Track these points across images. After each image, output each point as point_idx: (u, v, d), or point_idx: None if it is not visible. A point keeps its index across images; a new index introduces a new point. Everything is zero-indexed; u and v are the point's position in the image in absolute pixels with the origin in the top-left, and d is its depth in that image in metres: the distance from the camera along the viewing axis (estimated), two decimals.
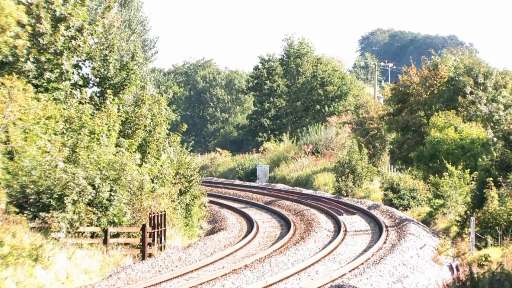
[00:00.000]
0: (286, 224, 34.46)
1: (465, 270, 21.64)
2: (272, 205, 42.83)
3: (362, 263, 23.16)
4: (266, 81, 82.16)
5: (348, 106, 76.77)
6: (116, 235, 24.35)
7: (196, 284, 19.95)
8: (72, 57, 28.01)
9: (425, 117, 48.64)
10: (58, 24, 27.31)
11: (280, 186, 55.47)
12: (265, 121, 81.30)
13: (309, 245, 26.78)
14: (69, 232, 22.41)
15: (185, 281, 20.44)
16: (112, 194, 24.04)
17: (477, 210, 27.70)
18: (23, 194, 21.85)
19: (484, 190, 28.39)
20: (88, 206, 23.26)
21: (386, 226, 31.57)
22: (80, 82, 28.89)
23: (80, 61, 28.84)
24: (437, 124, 42.21)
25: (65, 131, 25.69)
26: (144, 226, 24.83)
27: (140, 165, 27.85)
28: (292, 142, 68.24)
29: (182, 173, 32.71)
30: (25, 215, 21.25)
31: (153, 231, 25.43)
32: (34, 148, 23.34)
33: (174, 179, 31.26)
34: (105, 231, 23.57)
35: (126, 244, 24.72)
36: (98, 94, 29.42)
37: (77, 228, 22.71)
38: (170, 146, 31.93)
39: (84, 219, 22.89)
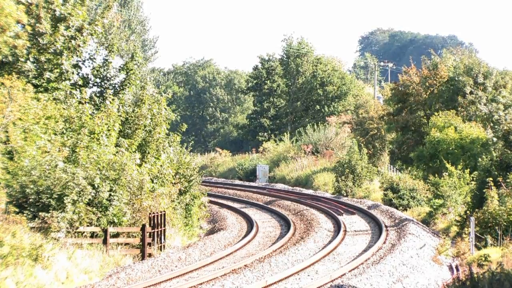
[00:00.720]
0: (286, 224, 34.46)
1: (465, 270, 21.64)
2: (272, 205, 42.83)
3: (362, 263, 23.16)
4: (265, 81, 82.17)
5: (348, 106, 76.80)
6: (116, 235, 24.35)
7: (196, 284, 19.96)
8: (72, 57, 28.03)
9: (425, 117, 48.66)
10: (58, 24, 27.32)
11: (279, 186, 55.47)
12: (264, 121, 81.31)
13: (309, 245, 26.78)
14: (69, 232, 22.42)
15: (185, 281, 20.44)
16: (112, 194, 24.05)
17: (477, 210, 27.69)
18: (23, 194, 21.86)
19: (484, 190, 28.39)
20: (88, 206, 23.26)
21: (386, 226, 31.57)
22: (80, 82, 28.90)
23: (80, 61, 28.84)
24: (437, 124, 42.22)
25: (65, 131, 25.70)
26: (144, 226, 24.83)
27: (140, 165, 27.85)
28: (292, 142, 68.25)
29: (182, 173, 32.72)
30: (25, 215, 21.26)
31: (153, 231, 25.44)
32: (34, 148, 23.36)
33: (174, 179, 31.27)
34: (105, 231, 23.57)
35: (126, 244, 24.73)
36: (98, 94, 29.42)
37: (77, 228, 22.71)
38: (170, 146, 31.94)
39: (84, 219, 22.90)
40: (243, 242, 28.38)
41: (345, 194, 46.38)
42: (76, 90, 28.40)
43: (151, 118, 29.71)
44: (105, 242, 23.51)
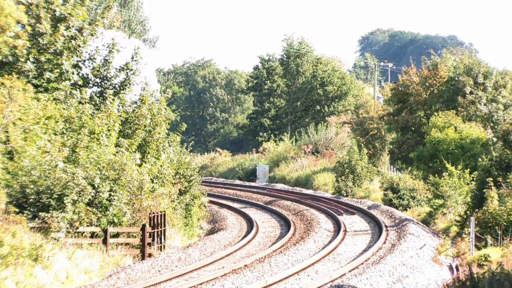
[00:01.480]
0: (286, 224, 34.46)
1: (465, 270, 21.64)
2: (272, 205, 42.82)
3: (362, 263, 23.16)
4: (266, 81, 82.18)
5: (348, 106, 76.82)
6: (116, 235, 24.34)
7: (196, 284, 19.96)
8: (72, 57, 28.03)
9: (425, 117, 48.67)
10: (58, 24, 27.32)
11: (280, 186, 55.47)
12: (265, 121, 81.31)
13: (309, 245, 26.78)
14: (69, 232, 22.41)
15: (185, 281, 20.44)
16: (112, 194, 24.04)
17: (477, 210, 27.68)
18: (23, 194, 21.85)
19: (484, 190, 28.38)
20: (88, 206, 23.26)
21: (386, 226, 31.57)
22: (80, 82, 28.90)
23: (80, 61, 28.84)
24: (437, 124, 42.21)
25: (65, 131, 25.69)
26: (144, 226, 24.82)
27: (140, 165, 27.85)
28: (292, 142, 68.24)
29: (182, 173, 32.71)
30: (25, 215, 21.25)
31: (153, 231, 25.43)
32: (34, 148, 23.35)
33: (174, 179, 31.26)
34: (105, 231, 23.57)
35: (126, 244, 24.72)
36: (98, 94, 29.42)
37: (77, 228, 22.71)
38: (170, 146, 31.93)
39: (84, 219, 22.89)
40: (243, 242, 28.38)
41: (345, 194, 46.38)
42: (76, 90, 28.39)
43: (151, 118, 29.70)
44: (105, 242, 23.51)
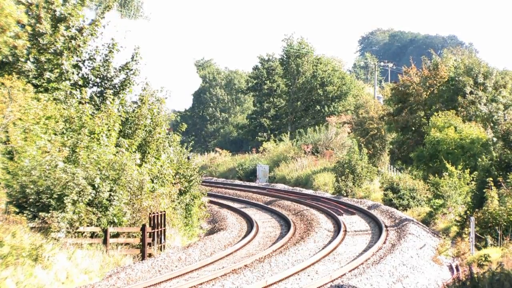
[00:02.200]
0: (286, 224, 34.46)
1: (465, 270, 21.64)
2: (272, 205, 42.83)
3: (362, 263, 23.16)
4: (265, 81, 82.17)
5: (348, 106, 76.82)
6: (116, 235, 24.34)
7: (196, 284, 19.96)
8: (72, 57, 28.03)
9: (425, 117, 48.67)
10: (58, 24, 27.32)
11: (280, 186, 55.47)
12: (265, 121, 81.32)
13: (309, 245, 26.78)
14: (69, 232, 22.41)
15: (185, 281, 20.44)
16: (112, 194, 24.04)
17: (477, 210, 27.69)
18: (23, 194, 21.85)
19: (484, 190, 28.38)
20: (88, 206, 23.25)
21: (386, 226, 31.57)
22: (80, 82, 28.90)
23: (80, 61, 28.84)
24: (437, 124, 42.22)
25: (65, 131, 25.68)
26: (144, 226, 24.83)
27: (140, 165, 27.85)
28: (292, 142, 68.25)
29: (182, 173, 32.72)
30: (25, 215, 21.24)
31: (153, 231, 25.43)
32: (34, 148, 23.35)
33: (174, 179, 31.27)
34: (105, 231, 23.57)
35: (126, 244, 24.72)
36: (98, 94, 29.42)
37: (77, 228, 22.70)
38: (170, 146, 31.94)
39: (84, 219, 22.89)
40: (243, 242, 28.38)
41: (345, 194, 46.38)
42: (76, 90, 28.39)
43: (151, 118, 29.71)
44: (105, 242, 23.50)
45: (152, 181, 29.01)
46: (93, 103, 28.53)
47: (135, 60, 30.27)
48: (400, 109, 50.45)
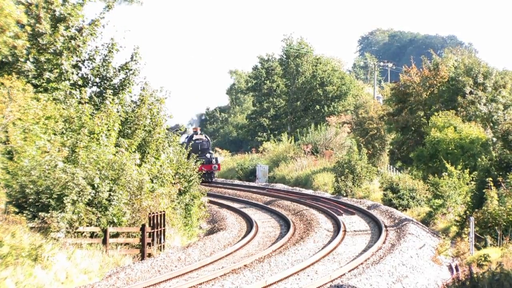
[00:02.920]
0: (285, 224, 34.45)
1: (465, 270, 21.63)
2: (271, 205, 42.81)
3: (362, 263, 23.16)
4: (265, 81, 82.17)
5: (347, 106, 76.82)
6: (116, 235, 24.34)
7: (195, 284, 19.96)
8: (72, 57, 28.02)
9: (424, 117, 48.67)
10: (57, 24, 27.31)
11: (279, 186, 55.46)
12: (264, 121, 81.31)
13: (309, 245, 26.78)
14: (68, 232, 22.40)
15: (185, 281, 20.45)
16: (112, 194, 24.04)
17: (476, 210, 27.68)
18: (22, 194, 21.84)
19: (484, 190, 28.38)
20: (88, 206, 23.25)
21: (386, 226, 31.57)
22: (80, 82, 28.89)
23: (79, 61, 28.84)
24: (437, 124, 42.22)
25: (64, 131, 25.68)
26: (143, 226, 24.82)
27: (139, 165, 27.85)
28: (291, 142, 68.25)
29: (181, 173, 32.71)
30: (24, 215, 21.24)
31: (153, 231, 25.43)
32: (34, 148, 23.34)
33: (173, 179, 31.26)
34: (104, 231, 23.56)
35: (125, 244, 24.72)
36: (97, 94, 29.42)
37: (77, 228, 22.70)
38: (169, 146, 31.93)
39: (83, 219, 22.88)
40: (243, 242, 28.38)
41: (344, 194, 46.36)
42: (75, 90, 28.39)
43: (151, 118, 29.71)
44: (104, 242, 23.50)
45: (152, 181, 29.02)
46: (93, 103, 28.52)
47: (135, 60, 30.27)
48: (400, 109, 50.44)
